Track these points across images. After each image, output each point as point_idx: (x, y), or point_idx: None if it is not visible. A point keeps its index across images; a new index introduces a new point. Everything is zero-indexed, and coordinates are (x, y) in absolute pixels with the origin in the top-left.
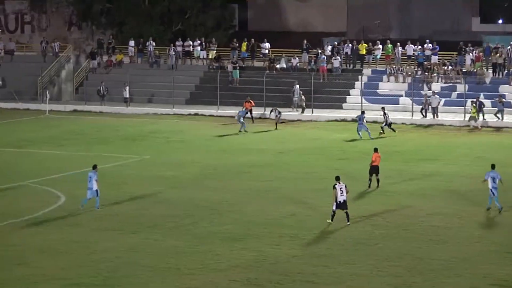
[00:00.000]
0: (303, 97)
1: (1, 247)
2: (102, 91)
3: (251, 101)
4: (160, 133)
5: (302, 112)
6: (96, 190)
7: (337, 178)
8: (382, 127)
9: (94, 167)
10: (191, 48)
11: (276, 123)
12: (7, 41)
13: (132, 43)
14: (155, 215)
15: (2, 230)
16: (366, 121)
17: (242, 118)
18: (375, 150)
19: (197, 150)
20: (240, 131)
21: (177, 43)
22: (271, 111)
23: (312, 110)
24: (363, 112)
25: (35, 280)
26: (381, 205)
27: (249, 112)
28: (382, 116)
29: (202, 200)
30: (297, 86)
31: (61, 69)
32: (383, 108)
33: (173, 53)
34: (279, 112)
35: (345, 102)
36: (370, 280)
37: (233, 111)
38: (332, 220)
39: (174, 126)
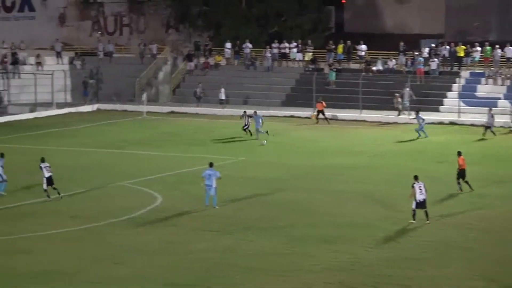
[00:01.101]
0: (399, 99)
1: (100, 246)
2: (198, 93)
3: (322, 101)
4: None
5: (399, 114)
6: (215, 188)
7: (416, 177)
8: (489, 129)
9: (211, 165)
10: (287, 50)
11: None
12: (106, 43)
13: (228, 45)
14: (250, 216)
15: (101, 230)
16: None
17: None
18: (459, 154)
19: (292, 152)
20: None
21: (273, 45)
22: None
23: (409, 113)
24: (418, 112)
25: (132, 279)
26: (475, 209)
27: (321, 113)
28: (488, 119)
29: (297, 202)
30: (408, 89)
31: (158, 71)
32: (490, 109)
33: (269, 55)
34: (249, 117)
35: (442, 105)
36: (464, 284)
37: (329, 113)
38: (414, 220)
39: (269, 128)
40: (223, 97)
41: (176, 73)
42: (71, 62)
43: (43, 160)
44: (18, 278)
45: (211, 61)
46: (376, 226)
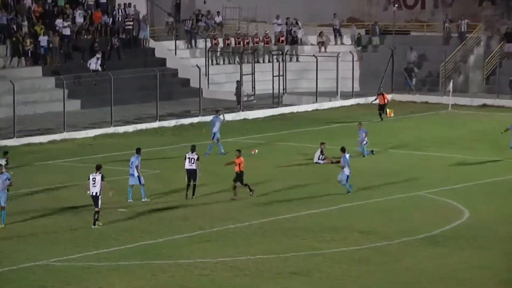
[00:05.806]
0: None
1: (392, 271)
2: None
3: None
4: None
5: None
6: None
7: None
8: None
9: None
10: None
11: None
12: (403, 19)
13: None
14: None
15: (395, 249)
16: None
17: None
18: None
19: None
20: None
21: None
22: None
23: None
24: None
25: None
26: None
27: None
28: None
29: None
30: None
31: (468, 54)
32: None
33: None
34: None
35: None
36: None
37: None
38: None
39: None
40: None
41: (491, 57)
42: (360, 43)
43: (193, 149)
44: None
45: None
46: None
